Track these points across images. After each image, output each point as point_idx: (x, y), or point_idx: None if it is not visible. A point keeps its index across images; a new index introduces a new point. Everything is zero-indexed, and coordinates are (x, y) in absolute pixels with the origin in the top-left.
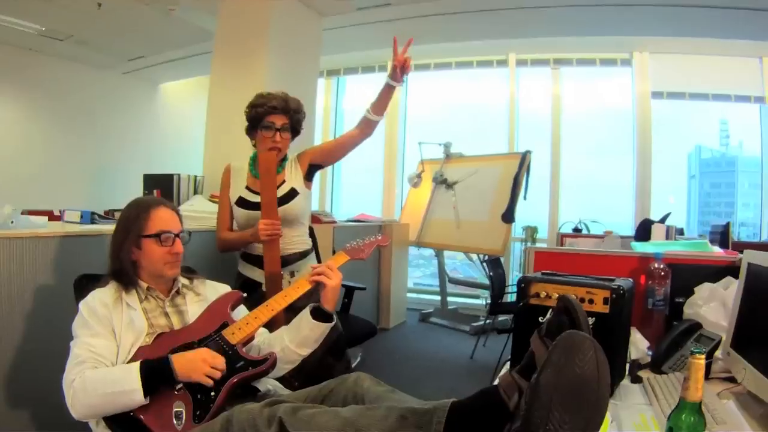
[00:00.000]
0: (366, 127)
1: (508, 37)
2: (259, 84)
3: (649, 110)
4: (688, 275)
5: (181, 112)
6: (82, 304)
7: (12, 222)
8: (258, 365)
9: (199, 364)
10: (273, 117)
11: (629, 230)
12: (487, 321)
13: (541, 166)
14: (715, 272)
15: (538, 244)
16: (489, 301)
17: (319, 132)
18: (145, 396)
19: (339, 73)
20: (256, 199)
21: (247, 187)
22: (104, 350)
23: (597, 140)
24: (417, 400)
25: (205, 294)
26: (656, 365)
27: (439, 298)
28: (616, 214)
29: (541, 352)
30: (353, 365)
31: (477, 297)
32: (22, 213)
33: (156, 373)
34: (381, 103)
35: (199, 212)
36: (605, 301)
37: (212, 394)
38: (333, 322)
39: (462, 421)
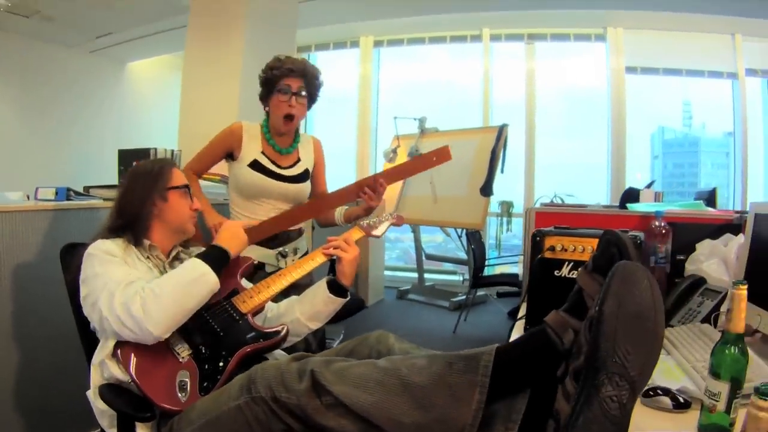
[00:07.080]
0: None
1: (481, 11)
2: (236, 58)
3: (623, 85)
4: (687, 233)
5: (149, 91)
6: (91, 250)
7: None
8: (270, 337)
9: (238, 232)
10: (289, 80)
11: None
12: (468, 295)
13: (515, 142)
14: (714, 230)
15: (514, 219)
16: (467, 277)
17: None
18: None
19: (310, 50)
20: (274, 168)
21: (263, 152)
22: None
23: (571, 117)
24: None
25: None
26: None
27: (413, 275)
28: (590, 191)
29: (593, 288)
30: (335, 343)
31: (454, 273)
32: None
33: (214, 258)
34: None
35: None
36: None
37: (221, 364)
38: (347, 298)
39: (511, 364)
